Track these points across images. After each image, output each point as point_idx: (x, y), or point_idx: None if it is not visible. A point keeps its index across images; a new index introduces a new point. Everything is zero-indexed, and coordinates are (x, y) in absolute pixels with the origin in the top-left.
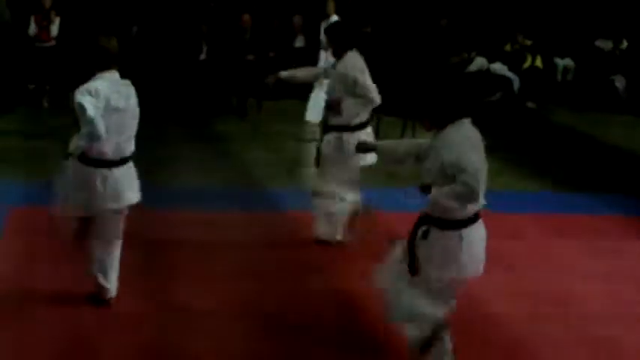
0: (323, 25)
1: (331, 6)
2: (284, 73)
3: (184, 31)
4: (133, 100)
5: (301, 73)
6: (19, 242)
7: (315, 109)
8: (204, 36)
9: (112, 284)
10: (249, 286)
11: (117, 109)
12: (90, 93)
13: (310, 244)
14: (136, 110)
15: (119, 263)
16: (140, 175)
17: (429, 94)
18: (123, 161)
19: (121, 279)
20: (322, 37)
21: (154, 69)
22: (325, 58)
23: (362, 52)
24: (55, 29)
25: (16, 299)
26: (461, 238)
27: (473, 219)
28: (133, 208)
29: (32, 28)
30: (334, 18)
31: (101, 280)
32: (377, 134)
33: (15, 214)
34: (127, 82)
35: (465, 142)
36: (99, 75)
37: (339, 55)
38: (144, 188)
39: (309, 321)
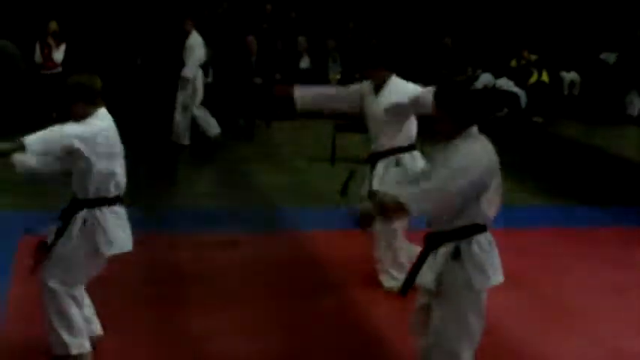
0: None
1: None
2: (301, 94)
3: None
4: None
5: (323, 95)
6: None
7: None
8: (210, 59)
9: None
10: (262, 307)
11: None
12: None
13: (323, 264)
14: None
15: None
16: (150, 197)
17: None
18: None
19: (135, 302)
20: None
21: (160, 93)
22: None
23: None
24: (59, 55)
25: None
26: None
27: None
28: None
29: (37, 55)
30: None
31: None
32: None
33: (26, 241)
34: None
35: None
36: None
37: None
38: (156, 211)
39: (318, 342)
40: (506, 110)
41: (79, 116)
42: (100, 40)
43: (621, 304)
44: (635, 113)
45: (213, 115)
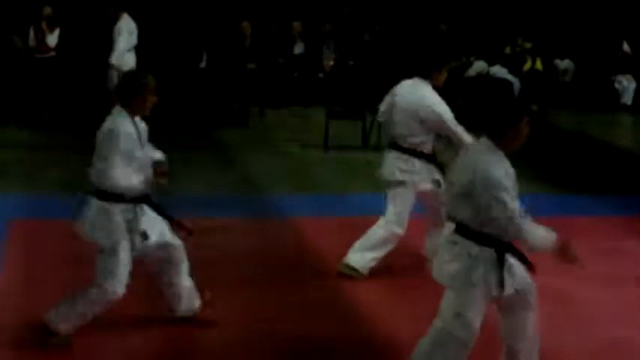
0: None
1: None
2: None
3: (184, 39)
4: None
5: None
6: (21, 253)
7: None
8: (203, 44)
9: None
10: (253, 293)
11: None
12: None
13: (315, 250)
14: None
15: None
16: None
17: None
18: None
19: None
20: None
21: (154, 78)
22: None
23: (362, 59)
24: (53, 40)
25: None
26: None
27: None
28: None
29: (31, 39)
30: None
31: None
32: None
33: (16, 226)
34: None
35: None
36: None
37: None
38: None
39: (310, 329)
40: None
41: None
42: (94, 18)
43: (611, 294)
44: (630, 102)
45: (207, 100)
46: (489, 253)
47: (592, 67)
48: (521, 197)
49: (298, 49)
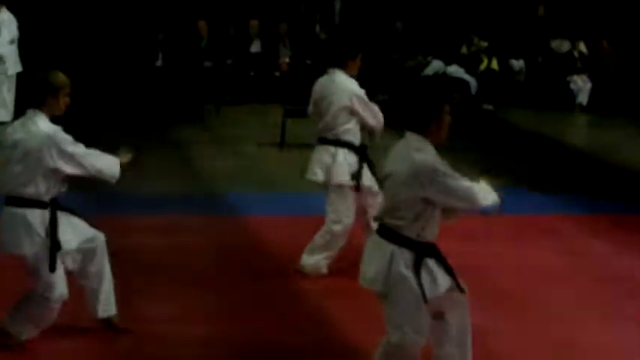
0: None
1: None
2: None
3: (140, 38)
4: None
5: None
6: None
7: None
8: (160, 43)
9: None
10: (209, 292)
11: None
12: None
13: (269, 248)
14: None
15: None
16: (98, 182)
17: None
18: None
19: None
20: None
21: (110, 76)
22: None
23: (317, 58)
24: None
25: None
26: None
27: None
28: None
29: None
30: None
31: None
32: None
33: None
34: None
35: None
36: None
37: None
38: (102, 195)
39: (273, 322)
40: (456, 97)
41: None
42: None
43: (564, 291)
44: (585, 102)
45: (163, 98)
46: (409, 255)
47: (547, 67)
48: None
49: (255, 47)
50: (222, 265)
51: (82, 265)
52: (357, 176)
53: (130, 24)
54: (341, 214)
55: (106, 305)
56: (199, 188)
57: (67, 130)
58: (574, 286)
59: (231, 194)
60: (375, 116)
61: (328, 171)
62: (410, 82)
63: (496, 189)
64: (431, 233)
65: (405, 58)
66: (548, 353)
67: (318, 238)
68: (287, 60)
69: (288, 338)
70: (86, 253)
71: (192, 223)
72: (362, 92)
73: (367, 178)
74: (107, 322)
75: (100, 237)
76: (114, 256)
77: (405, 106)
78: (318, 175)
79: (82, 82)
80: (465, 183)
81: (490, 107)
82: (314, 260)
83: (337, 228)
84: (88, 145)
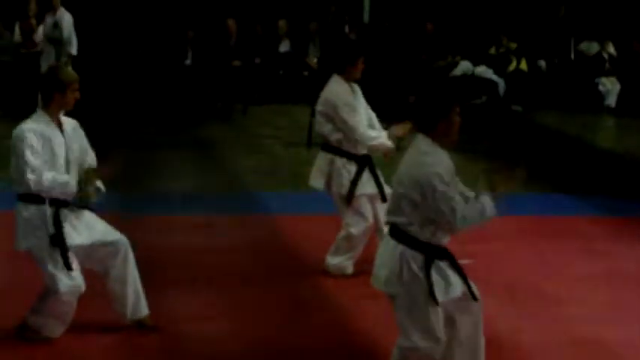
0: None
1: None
2: None
3: (170, 36)
4: None
5: None
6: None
7: None
8: (189, 41)
9: None
10: (236, 291)
11: None
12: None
13: (296, 246)
14: None
15: None
16: (127, 181)
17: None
18: None
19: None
20: None
21: (139, 75)
22: None
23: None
24: (39, 36)
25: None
26: None
27: None
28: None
29: (17, 35)
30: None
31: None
32: None
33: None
34: None
35: None
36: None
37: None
38: (131, 194)
39: (295, 328)
40: (484, 98)
41: None
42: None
43: (593, 294)
44: (613, 104)
45: (192, 97)
46: (419, 256)
47: (574, 68)
48: (508, 198)
49: (284, 47)
50: (248, 264)
51: (104, 266)
52: (352, 187)
53: (161, 22)
54: (350, 219)
55: (135, 308)
56: (227, 187)
57: (97, 128)
58: (599, 287)
59: (258, 193)
60: (349, 130)
61: (328, 180)
62: (426, 83)
63: (496, 196)
64: (443, 237)
65: (435, 58)
66: (570, 352)
67: (340, 241)
68: (315, 60)
69: (306, 339)
70: (106, 255)
71: (219, 222)
72: (344, 101)
73: (371, 187)
74: (138, 322)
75: (123, 241)
76: (139, 252)
77: (415, 106)
78: (319, 183)
79: (113, 81)
80: (457, 208)
81: (518, 108)
82: (337, 261)
83: (353, 231)
84: (116, 143)
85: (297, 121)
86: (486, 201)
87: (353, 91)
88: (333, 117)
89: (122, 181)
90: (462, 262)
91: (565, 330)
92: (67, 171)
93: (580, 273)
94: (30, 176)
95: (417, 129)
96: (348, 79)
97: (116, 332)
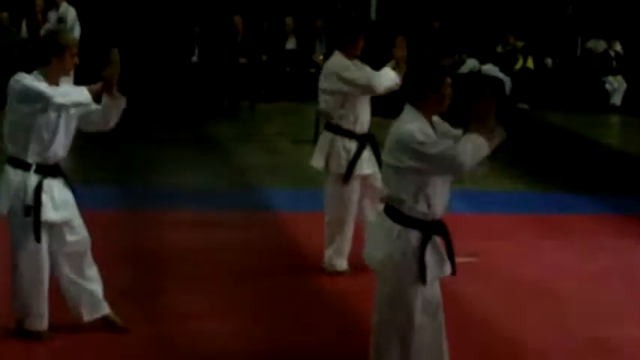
0: None
1: None
2: None
3: (176, 33)
4: None
5: None
6: None
7: None
8: (196, 38)
9: None
10: (242, 287)
11: None
12: None
13: (302, 243)
14: None
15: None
16: (131, 176)
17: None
18: None
19: (112, 281)
20: None
21: (145, 71)
22: None
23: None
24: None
25: None
26: None
27: None
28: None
29: (24, 31)
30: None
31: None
32: None
33: None
34: None
35: None
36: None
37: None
38: (136, 189)
39: (298, 326)
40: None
41: None
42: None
43: (597, 292)
44: (619, 103)
45: (198, 94)
46: (417, 237)
47: (580, 66)
48: (514, 195)
49: (290, 44)
50: (253, 260)
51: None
52: (350, 166)
53: (168, 19)
54: (329, 203)
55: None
56: (233, 184)
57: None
58: (603, 285)
59: (264, 190)
60: (363, 87)
61: (327, 159)
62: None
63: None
64: (439, 209)
65: (442, 56)
66: (573, 350)
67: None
68: (321, 57)
69: (307, 338)
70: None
71: (225, 219)
72: (344, 66)
73: (369, 166)
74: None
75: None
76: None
77: (407, 79)
78: (319, 162)
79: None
80: (447, 148)
81: (525, 107)
82: (327, 255)
83: (330, 217)
84: (124, 138)
85: (304, 118)
86: (474, 136)
87: (355, 65)
88: (340, 88)
89: (127, 175)
90: (465, 260)
91: (569, 328)
92: (66, 133)
93: (585, 271)
94: (45, 90)
95: (405, 100)
96: (349, 55)
97: (114, 331)
